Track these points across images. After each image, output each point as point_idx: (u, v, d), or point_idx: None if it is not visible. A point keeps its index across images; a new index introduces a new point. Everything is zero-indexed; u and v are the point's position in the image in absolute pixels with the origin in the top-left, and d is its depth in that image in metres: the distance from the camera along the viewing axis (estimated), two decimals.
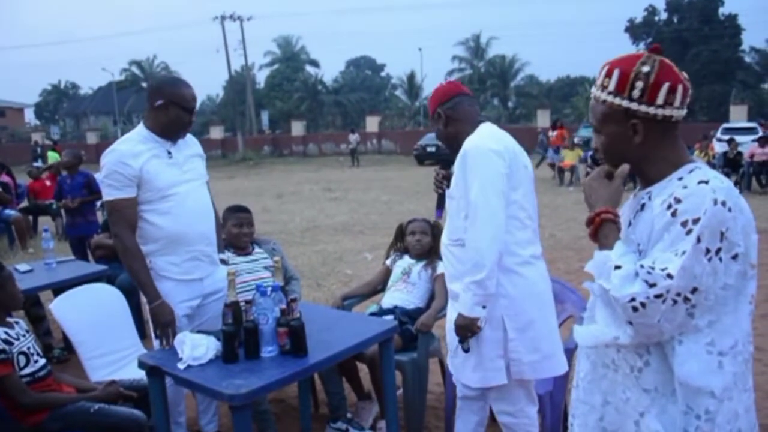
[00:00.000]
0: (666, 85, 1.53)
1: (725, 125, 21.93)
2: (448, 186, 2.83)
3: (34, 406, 2.85)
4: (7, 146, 39.26)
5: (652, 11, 44.61)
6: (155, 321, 3.01)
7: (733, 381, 1.49)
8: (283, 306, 2.76)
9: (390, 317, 3.59)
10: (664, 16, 44.58)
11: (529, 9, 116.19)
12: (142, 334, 4.06)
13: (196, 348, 2.72)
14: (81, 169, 8.01)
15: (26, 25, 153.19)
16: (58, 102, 69.51)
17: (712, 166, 14.51)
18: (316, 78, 53.61)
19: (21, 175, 13.69)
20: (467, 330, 2.60)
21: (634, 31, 44.89)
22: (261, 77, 56.70)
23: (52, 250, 5.01)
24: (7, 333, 2.93)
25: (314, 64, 55.97)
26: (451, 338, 2.75)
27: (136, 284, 3.08)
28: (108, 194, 2.99)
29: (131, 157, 2.97)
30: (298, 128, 36.20)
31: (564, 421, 3.32)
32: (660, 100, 1.54)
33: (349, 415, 3.57)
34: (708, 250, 1.45)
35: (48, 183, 10.99)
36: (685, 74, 1.58)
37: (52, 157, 19.24)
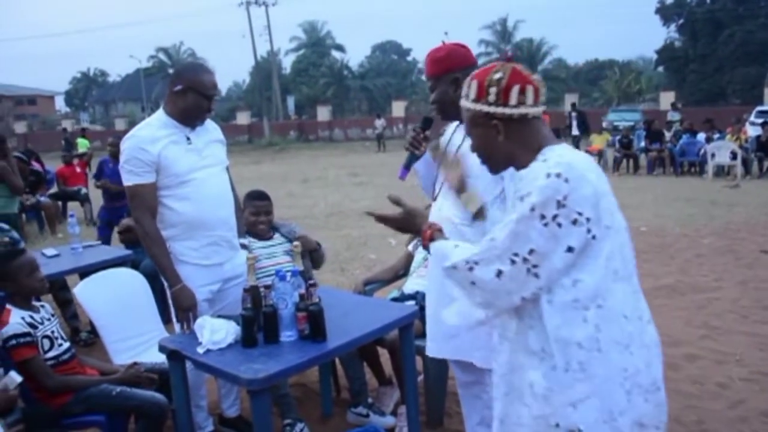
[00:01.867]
0: (516, 87, 1.74)
1: (759, 108, 21.44)
2: (421, 148, 2.71)
3: (58, 389, 2.88)
4: (38, 133, 39.85)
5: None
6: (176, 305, 3.03)
7: (596, 333, 1.64)
8: (302, 291, 2.76)
9: (411, 302, 3.56)
10: None
11: None
12: (166, 319, 4.09)
13: (215, 332, 2.73)
14: None
15: (56, 14, 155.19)
16: (88, 89, 70.41)
17: (745, 150, 14.34)
18: (342, 63, 53.63)
19: (51, 161, 13.90)
20: None
21: (665, 12, 43.92)
22: (287, 63, 56.86)
23: (78, 235, 5.07)
24: (32, 317, 2.96)
25: (340, 49, 55.95)
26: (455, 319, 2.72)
27: (157, 269, 3.10)
28: (128, 180, 2.99)
29: (150, 142, 2.97)
30: (323, 113, 36.19)
31: None
32: (513, 101, 1.74)
33: (370, 401, 3.57)
34: (543, 216, 1.61)
35: (78, 170, 11.14)
36: (536, 76, 1.79)
37: (82, 144, 19.47)
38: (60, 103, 68.72)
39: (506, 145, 1.78)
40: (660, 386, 1.73)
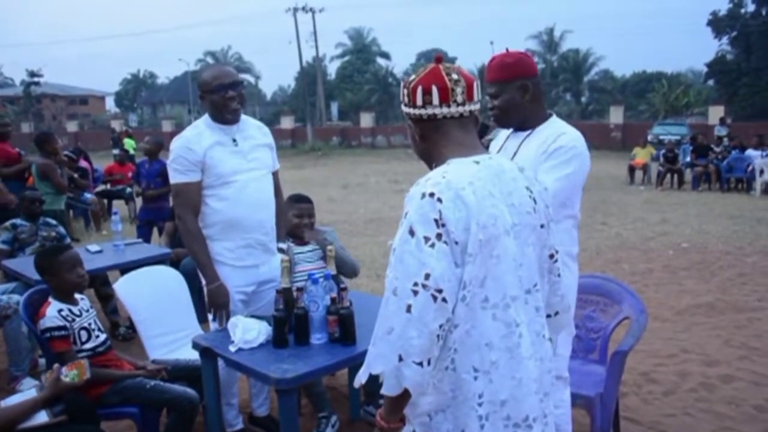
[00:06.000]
0: (419, 89, 1.77)
1: None
2: None
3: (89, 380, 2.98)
4: (89, 133, 40.86)
5: (738, 3, 42.30)
6: (210, 301, 3.12)
7: (452, 354, 1.64)
8: (334, 294, 2.80)
9: None
10: (751, 8, 42.32)
11: (606, 1, 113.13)
12: (202, 318, 4.17)
13: (247, 332, 2.79)
14: (160, 157, 8.22)
15: (109, 17, 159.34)
16: (137, 91, 72.00)
17: None
18: (387, 70, 53.75)
19: (100, 160, 14.25)
20: None
21: (717, 24, 42.91)
22: (332, 69, 57.27)
23: (121, 233, 5.22)
24: (70, 310, 3.07)
25: (385, 56, 56.14)
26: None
27: (196, 266, 3.18)
28: (173, 178, 3.13)
29: (196, 142, 3.10)
30: (367, 120, 36.32)
31: (615, 424, 3.25)
32: (419, 102, 1.78)
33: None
34: (427, 239, 1.59)
35: (129, 174, 11.42)
36: (455, 76, 1.76)
37: (128, 144, 19.87)
38: (110, 104, 70.47)
39: (422, 145, 1.86)
40: (532, 425, 1.70)
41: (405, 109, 1.84)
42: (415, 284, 1.57)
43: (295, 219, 3.71)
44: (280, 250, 3.40)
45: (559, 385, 2.64)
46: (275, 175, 3.42)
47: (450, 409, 1.68)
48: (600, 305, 3.41)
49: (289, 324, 2.79)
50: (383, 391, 1.66)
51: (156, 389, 3.02)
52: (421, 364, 1.59)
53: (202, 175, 3.10)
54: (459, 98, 1.76)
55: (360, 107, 42.16)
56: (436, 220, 1.59)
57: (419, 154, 1.90)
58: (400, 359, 1.58)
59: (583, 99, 50.94)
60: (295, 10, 39.20)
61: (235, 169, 3.13)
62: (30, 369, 4.29)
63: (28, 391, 2.89)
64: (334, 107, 44.94)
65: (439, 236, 1.59)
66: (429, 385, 1.66)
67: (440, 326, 1.59)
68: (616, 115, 29.40)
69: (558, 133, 2.55)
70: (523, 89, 2.55)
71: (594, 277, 3.52)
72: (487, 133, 2.75)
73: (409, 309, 1.57)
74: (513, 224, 1.69)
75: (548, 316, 1.85)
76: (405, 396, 1.64)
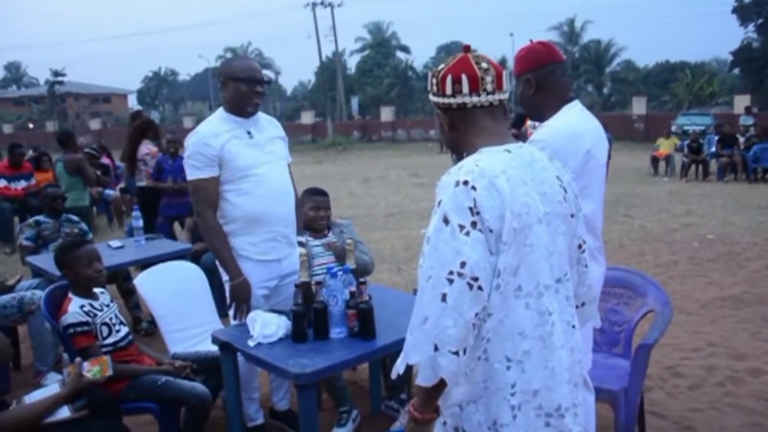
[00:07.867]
0: (449, 77, 1.76)
1: None
2: None
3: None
4: (111, 130, 41.29)
5: None
6: (233, 297, 3.11)
7: (485, 343, 1.62)
8: (353, 288, 2.78)
9: None
10: None
11: None
12: (223, 313, 4.17)
13: (266, 326, 2.79)
14: (181, 153, 8.22)
15: (131, 16, 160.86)
16: (159, 88, 72.69)
17: None
18: (407, 64, 53.64)
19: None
20: None
21: (743, 11, 42.11)
22: (351, 63, 57.26)
23: (141, 228, 5.24)
24: (91, 305, 3.08)
25: (405, 49, 56.05)
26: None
27: (218, 262, 3.17)
28: (191, 174, 3.10)
29: (212, 137, 3.07)
30: (387, 114, 36.26)
31: (640, 418, 3.20)
32: (449, 91, 1.76)
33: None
34: (462, 227, 1.57)
35: None
36: (484, 65, 1.74)
37: None
38: (132, 101, 71.05)
39: (451, 135, 1.83)
40: (564, 414, 1.68)
41: (433, 99, 1.82)
42: (451, 273, 1.55)
43: (311, 212, 3.71)
44: (300, 244, 3.39)
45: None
46: (288, 167, 3.41)
47: (482, 400, 1.66)
48: (624, 298, 3.35)
49: (308, 318, 2.77)
50: (418, 381, 1.63)
51: (166, 386, 3.00)
52: (456, 353, 1.56)
53: (219, 170, 3.08)
54: (489, 87, 1.74)
55: (380, 101, 42.12)
56: (470, 208, 1.57)
57: (448, 143, 1.88)
58: (436, 349, 1.56)
59: (605, 90, 50.46)
60: (314, 4, 39.23)
61: (253, 161, 3.11)
62: (54, 364, 4.33)
63: (51, 385, 2.93)
64: (354, 102, 44.89)
65: (474, 224, 1.57)
66: (461, 375, 1.63)
67: (476, 315, 1.57)
68: (638, 106, 29.03)
69: (545, 125, 2.48)
70: (527, 83, 2.51)
71: (617, 270, 3.46)
72: (523, 123, 2.71)
73: (444, 298, 1.55)
74: (545, 213, 1.68)
75: (575, 306, 1.82)
76: (440, 386, 1.61)
